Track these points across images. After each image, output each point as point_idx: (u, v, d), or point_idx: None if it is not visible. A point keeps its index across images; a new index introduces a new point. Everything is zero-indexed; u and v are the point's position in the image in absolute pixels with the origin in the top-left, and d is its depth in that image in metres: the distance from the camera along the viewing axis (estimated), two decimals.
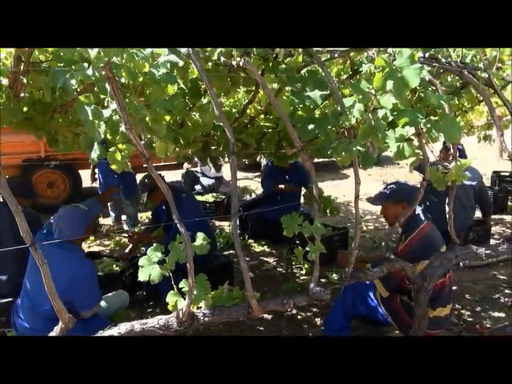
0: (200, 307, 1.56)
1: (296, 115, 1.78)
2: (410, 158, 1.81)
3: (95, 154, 1.35)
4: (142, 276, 1.40)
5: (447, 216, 2.09)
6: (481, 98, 3.05)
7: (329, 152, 1.72)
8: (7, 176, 4.91)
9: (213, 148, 2.77)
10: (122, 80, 1.28)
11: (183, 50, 1.45)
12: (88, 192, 6.33)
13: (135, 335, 1.41)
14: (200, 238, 1.46)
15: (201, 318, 1.49)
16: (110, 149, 1.34)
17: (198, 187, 6.12)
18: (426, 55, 2.08)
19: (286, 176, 4.53)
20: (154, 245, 1.46)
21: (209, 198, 5.62)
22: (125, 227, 5.10)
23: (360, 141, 1.58)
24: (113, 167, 1.38)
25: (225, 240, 4.59)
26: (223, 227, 5.19)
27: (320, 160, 9.92)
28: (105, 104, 1.38)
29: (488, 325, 2.79)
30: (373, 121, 1.56)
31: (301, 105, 1.81)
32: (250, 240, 4.61)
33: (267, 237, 4.56)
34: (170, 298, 1.48)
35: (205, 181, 6.16)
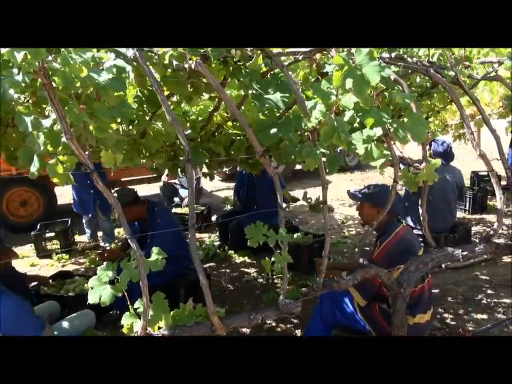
0: (161, 327, 1.45)
1: (258, 120, 1.71)
2: (380, 159, 1.75)
3: (34, 168, 1.25)
4: (92, 298, 1.29)
5: (421, 218, 2.03)
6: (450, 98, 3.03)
7: (293, 157, 1.65)
8: None
9: (181, 158, 2.68)
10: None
11: (130, 53, 1.36)
12: (63, 209, 6.14)
13: None
14: (155, 253, 1.35)
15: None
16: (50, 161, 1.24)
17: (177, 199, 5.99)
18: (393, 55, 2.04)
19: (259, 184, 4.46)
20: (105, 263, 1.35)
21: (187, 210, 5.48)
22: (102, 244, 4.94)
23: (323, 143, 1.51)
24: (55, 180, 1.27)
25: (205, 252, 4.47)
26: (203, 238, 5.07)
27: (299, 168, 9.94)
28: (46, 113, 1.29)
29: (471, 328, 2.74)
30: (335, 122, 1.49)
31: (265, 110, 1.74)
32: (230, 251, 4.50)
33: (248, 247, 4.44)
34: (126, 319, 1.37)
35: (184, 193, 6.02)
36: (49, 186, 5.74)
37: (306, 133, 1.68)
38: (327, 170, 1.74)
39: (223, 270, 4.09)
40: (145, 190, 7.04)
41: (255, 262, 4.27)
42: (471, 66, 2.49)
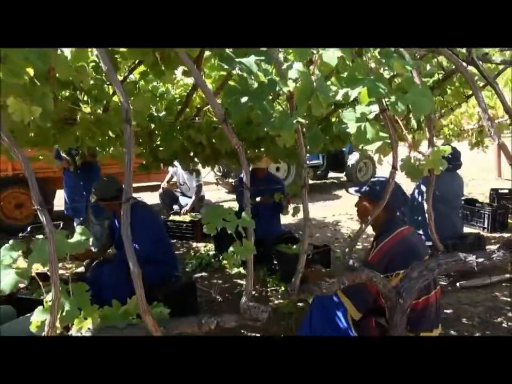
0: (89, 328, 1.16)
1: (226, 86, 1.43)
2: (375, 142, 1.46)
3: None
4: None
5: (427, 216, 1.70)
6: (468, 94, 2.72)
7: (266, 130, 1.36)
8: None
9: (160, 149, 2.41)
10: None
11: None
12: (60, 213, 5.95)
13: None
14: (78, 232, 1.07)
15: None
16: None
17: (176, 207, 5.74)
18: None
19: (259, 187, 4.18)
20: (10, 242, 1.08)
21: (186, 218, 5.23)
22: (92, 248, 4.68)
23: (299, 107, 1.22)
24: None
25: (198, 262, 4.17)
26: (199, 248, 4.77)
27: (313, 182, 9.62)
28: None
29: None
30: (314, 82, 1.20)
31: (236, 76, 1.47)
32: (225, 261, 4.18)
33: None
34: (37, 315, 1.08)
35: (184, 201, 5.77)
36: (46, 188, 5.56)
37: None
38: (308, 148, 1.45)
39: (215, 281, 3.77)
40: (146, 198, 6.82)
41: None
42: (489, 54, 2.19)
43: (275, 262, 3.80)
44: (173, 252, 3.28)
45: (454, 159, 3.63)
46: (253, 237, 1.27)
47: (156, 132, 2.11)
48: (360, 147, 1.44)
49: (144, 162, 2.91)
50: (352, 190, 1.99)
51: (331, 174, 10.02)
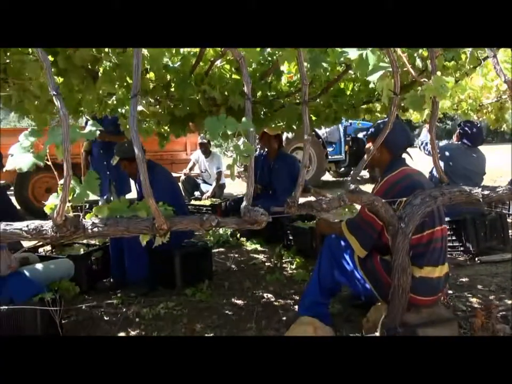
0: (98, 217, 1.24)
1: None
2: (376, 70, 1.51)
3: None
4: (9, 165, 1.11)
5: (432, 153, 1.72)
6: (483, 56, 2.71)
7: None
8: (3, 181, 4.77)
9: (178, 114, 2.51)
10: None
11: None
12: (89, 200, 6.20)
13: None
14: (90, 125, 1.17)
15: (89, 227, 1.17)
16: None
17: (197, 193, 5.88)
18: None
19: (275, 167, 4.25)
20: (29, 129, 1.18)
21: (206, 202, 5.34)
22: None
23: None
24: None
25: (216, 239, 4.25)
26: (217, 231, 4.84)
27: (335, 179, 9.58)
28: None
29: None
30: None
31: None
32: (242, 239, 4.25)
33: (261, 236, 4.20)
34: (51, 199, 1.18)
35: (205, 188, 5.91)
36: (75, 174, 5.80)
37: None
38: (310, 68, 1.51)
39: (232, 255, 3.84)
40: None
41: (266, 249, 3.99)
42: None
43: (290, 238, 3.83)
44: (187, 211, 3.37)
45: (475, 134, 3.60)
46: (253, 138, 1.32)
47: (172, 85, 2.21)
48: None
49: (163, 128, 3.04)
50: (360, 135, 2.02)
51: None
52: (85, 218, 1.22)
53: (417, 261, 1.75)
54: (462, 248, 3.40)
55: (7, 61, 2.03)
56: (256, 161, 4.48)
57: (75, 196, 1.13)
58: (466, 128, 3.59)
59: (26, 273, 2.00)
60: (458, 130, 3.71)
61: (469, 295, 2.57)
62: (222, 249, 4.05)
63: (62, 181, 1.16)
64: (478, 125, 3.68)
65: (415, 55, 1.87)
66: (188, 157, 6.86)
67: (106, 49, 1.92)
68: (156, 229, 1.22)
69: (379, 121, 2.02)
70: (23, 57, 2.04)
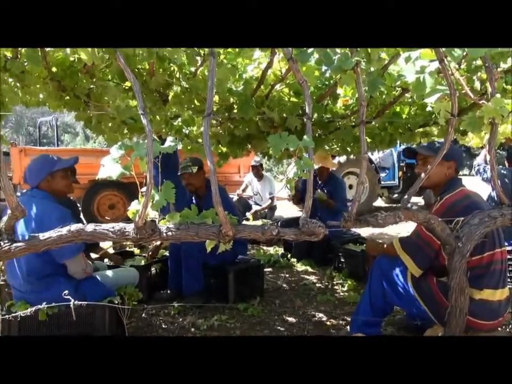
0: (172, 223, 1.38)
1: None
2: (433, 92, 1.56)
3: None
4: (101, 173, 1.29)
5: (492, 174, 1.71)
6: None
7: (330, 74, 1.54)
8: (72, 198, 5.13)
9: (238, 134, 2.68)
10: None
11: None
12: None
13: (85, 237, 1.27)
14: (168, 140, 1.33)
15: (164, 231, 1.31)
16: None
17: (249, 214, 6.02)
18: None
19: (324, 190, 4.30)
20: (120, 143, 1.35)
21: (258, 222, 5.46)
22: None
23: (360, 52, 1.38)
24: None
25: (267, 259, 4.32)
26: (268, 251, 4.93)
27: (388, 205, 9.35)
28: None
29: None
30: None
31: None
32: (293, 260, 4.28)
33: (311, 258, 4.22)
34: (133, 206, 1.33)
35: (257, 209, 6.05)
36: (136, 193, 6.20)
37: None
38: (367, 90, 1.58)
39: (282, 274, 3.89)
40: None
41: (317, 271, 4.00)
42: None
43: (342, 260, 3.82)
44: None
45: None
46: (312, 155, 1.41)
47: (234, 107, 2.38)
48: None
49: (220, 149, 3.22)
50: (423, 149, 1.99)
51: None
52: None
53: (476, 283, 1.72)
54: None
55: (91, 86, 2.31)
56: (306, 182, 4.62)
57: (154, 202, 1.28)
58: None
59: (98, 277, 2.20)
60: (507, 155, 3.57)
61: None
62: (272, 269, 4.11)
63: (143, 189, 1.32)
64: None
65: (474, 77, 1.89)
66: (240, 179, 7.08)
67: (177, 75, 2.13)
68: (222, 235, 1.33)
69: (430, 142, 2.04)
70: (105, 82, 2.31)
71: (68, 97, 2.37)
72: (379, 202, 9.23)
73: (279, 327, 2.56)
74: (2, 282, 2.56)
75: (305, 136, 1.40)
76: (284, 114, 2.40)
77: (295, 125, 2.46)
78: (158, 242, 3.45)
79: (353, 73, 1.48)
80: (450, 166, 1.91)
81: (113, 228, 1.29)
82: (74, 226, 1.26)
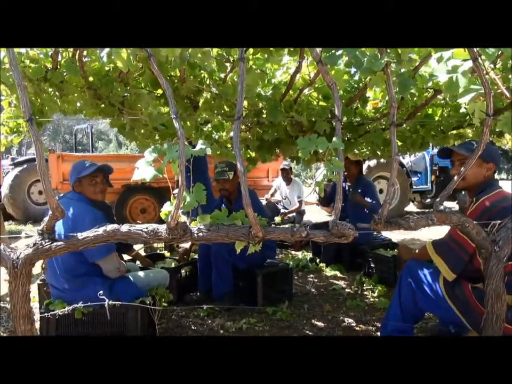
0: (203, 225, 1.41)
1: None
2: (467, 92, 1.53)
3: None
4: (136, 176, 1.33)
5: None
6: None
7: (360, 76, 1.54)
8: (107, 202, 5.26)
9: (266, 138, 2.69)
10: None
11: None
12: None
13: (120, 236, 1.31)
14: (199, 143, 1.36)
15: (196, 232, 1.34)
16: None
17: (277, 219, 6.01)
18: None
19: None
20: (153, 147, 1.40)
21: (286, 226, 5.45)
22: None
23: (392, 52, 1.38)
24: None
25: (295, 263, 4.31)
26: (297, 256, 4.92)
27: (421, 210, 9.12)
28: None
29: None
30: None
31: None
32: (322, 264, 4.25)
33: (341, 263, 4.17)
34: (165, 208, 1.37)
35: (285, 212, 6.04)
36: (166, 197, 6.36)
37: None
38: (398, 91, 1.57)
39: (311, 279, 3.86)
40: None
41: (346, 276, 3.95)
42: None
43: (372, 266, 3.76)
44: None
45: None
46: (342, 158, 1.41)
47: (263, 112, 2.41)
48: None
49: (249, 154, 3.25)
50: (462, 149, 1.92)
51: None
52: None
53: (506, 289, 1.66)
54: None
55: (126, 94, 2.40)
56: (334, 185, 4.57)
57: (186, 204, 1.31)
58: None
59: (131, 278, 2.26)
60: None
61: None
62: (301, 274, 4.09)
63: (175, 191, 1.35)
64: None
65: (510, 76, 1.83)
66: (269, 184, 7.11)
67: (207, 81, 2.18)
68: (252, 236, 1.35)
69: (468, 142, 1.98)
70: (138, 90, 2.39)
71: (103, 105, 2.46)
72: (411, 207, 9.01)
73: (307, 331, 2.55)
74: (40, 282, 2.68)
75: (334, 138, 1.41)
76: (313, 118, 2.41)
77: (323, 128, 2.46)
78: (188, 246, 3.52)
79: (383, 75, 1.47)
80: (490, 168, 1.85)
81: (146, 228, 1.33)
82: (110, 227, 1.31)
